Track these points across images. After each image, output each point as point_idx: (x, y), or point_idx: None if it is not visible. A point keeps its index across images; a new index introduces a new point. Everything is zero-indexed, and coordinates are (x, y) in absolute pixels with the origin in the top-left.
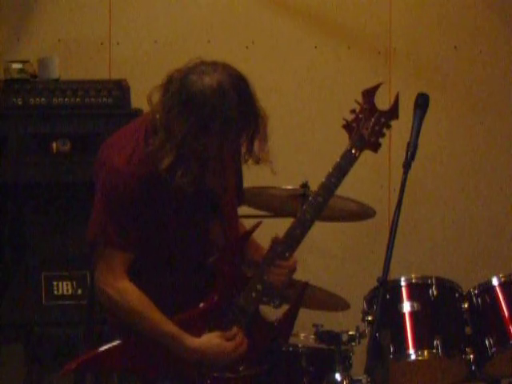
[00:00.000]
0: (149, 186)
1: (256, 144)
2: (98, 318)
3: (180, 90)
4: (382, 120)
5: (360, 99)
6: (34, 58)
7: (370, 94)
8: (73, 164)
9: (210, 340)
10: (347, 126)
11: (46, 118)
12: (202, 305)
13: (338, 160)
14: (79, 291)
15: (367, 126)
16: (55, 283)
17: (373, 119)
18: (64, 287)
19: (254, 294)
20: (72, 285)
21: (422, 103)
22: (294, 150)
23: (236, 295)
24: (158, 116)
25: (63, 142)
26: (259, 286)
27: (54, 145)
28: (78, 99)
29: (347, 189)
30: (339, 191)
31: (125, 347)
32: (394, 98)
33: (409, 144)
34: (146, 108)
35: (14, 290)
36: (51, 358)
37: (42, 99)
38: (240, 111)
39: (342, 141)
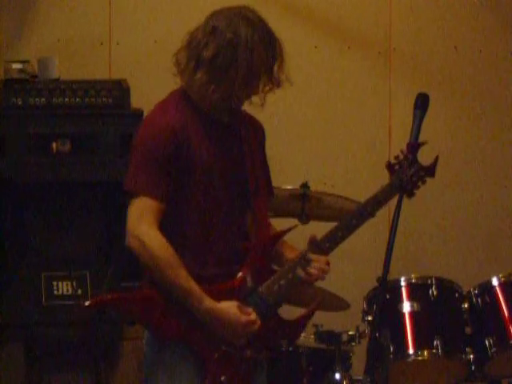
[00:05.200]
0: (183, 136)
1: (276, 67)
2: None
3: (205, 30)
4: (421, 173)
5: (404, 148)
6: (34, 58)
7: (414, 147)
8: (73, 164)
9: (229, 307)
10: (389, 166)
11: (46, 117)
12: (226, 283)
13: (376, 192)
14: (79, 291)
15: (407, 173)
16: (55, 283)
17: (412, 170)
18: (64, 287)
19: (276, 287)
20: (72, 285)
21: (421, 103)
22: (294, 150)
23: (260, 283)
24: (185, 57)
25: (63, 142)
26: (283, 282)
27: (54, 145)
28: (77, 99)
29: (347, 189)
30: (339, 191)
31: (149, 299)
32: (434, 159)
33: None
34: (146, 108)
35: (14, 290)
36: (51, 357)
37: (42, 99)
38: (262, 31)
39: (342, 141)
